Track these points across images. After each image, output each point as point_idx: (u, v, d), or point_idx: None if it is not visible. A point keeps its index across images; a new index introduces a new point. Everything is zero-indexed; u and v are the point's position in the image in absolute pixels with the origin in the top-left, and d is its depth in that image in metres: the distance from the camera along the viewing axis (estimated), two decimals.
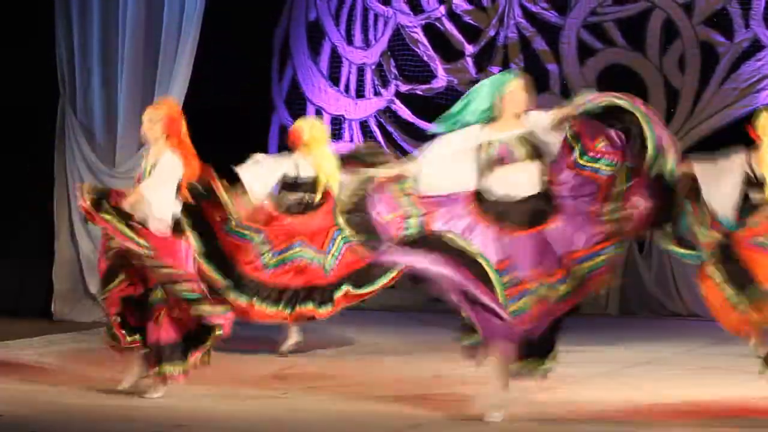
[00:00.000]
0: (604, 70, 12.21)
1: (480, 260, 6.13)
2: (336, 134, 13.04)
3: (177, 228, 7.03)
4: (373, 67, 12.96)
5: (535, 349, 6.27)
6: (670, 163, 6.03)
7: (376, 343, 9.77)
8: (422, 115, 12.73)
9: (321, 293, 8.69)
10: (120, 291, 7.03)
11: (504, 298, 6.09)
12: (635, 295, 11.91)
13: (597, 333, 9.92)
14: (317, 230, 8.83)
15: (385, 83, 12.91)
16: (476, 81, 12.43)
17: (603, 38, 12.24)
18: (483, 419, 6.27)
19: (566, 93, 11.98)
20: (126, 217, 6.89)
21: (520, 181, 6.26)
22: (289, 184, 8.98)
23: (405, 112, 12.81)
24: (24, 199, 11.15)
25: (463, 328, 6.35)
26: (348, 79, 13.07)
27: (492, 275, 6.10)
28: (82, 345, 9.22)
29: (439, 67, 12.69)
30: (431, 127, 6.52)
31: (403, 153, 12.75)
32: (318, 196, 8.92)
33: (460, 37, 12.67)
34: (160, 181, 6.99)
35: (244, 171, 8.72)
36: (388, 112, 12.91)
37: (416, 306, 11.49)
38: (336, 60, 13.11)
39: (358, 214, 6.27)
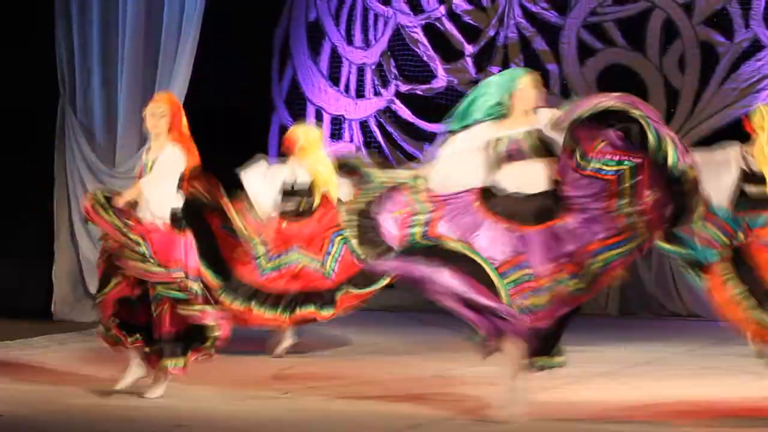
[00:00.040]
0: (604, 70, 12.21)
1: (480, 261, 6.12)
2: (336, 134, 13.05)
3: (178, 223, 7.02)
4: (373, 67, 12.96)
5: (544, 345, 6.26)
6: (672, 154, 6.00)
7: (376, 343, 9.78)
8: (422, 115, 12.75)
9: (322, 296, 8.69)
10: (117, 293, 7.02)
11: (508, 296, 6.07)
12: (635, 295, 11.92)
13: (597, 333, 9.91)
14: (313, 235, 8.83)
15: (385, 83, 12.92)
16: (476, 81, 12.53)
17: (603, 38, 12.25)
18: (495, 419, 6.24)
19: (566, 93, 12.00)
20: (123, 216, 6.89)
21: (530, 177, 6.25)
22: (285, 191, 8.98)
23: (405, 112, 12.82)
24: (24, 199, 11.15)
25: (472, 327, 6.35)
26: (348, 79, 13.08)
27: (493, 276, 6.09)
28: (82, 345, 9.22)
29: (439, 67, 12.69)
30: (436, 128, 6.50)
31: (403, 153, 12.78)
32: (317, 201, 8.91)
33: (460, 37, 12.67)
34: (161, 177, 6.97)
35: (248, 183, 8.71)
36: (388, 112, 12.92)
37: (416, 306, 11.47)
38: (336, 60, 13.12)
39: (365, 220, 6.26)
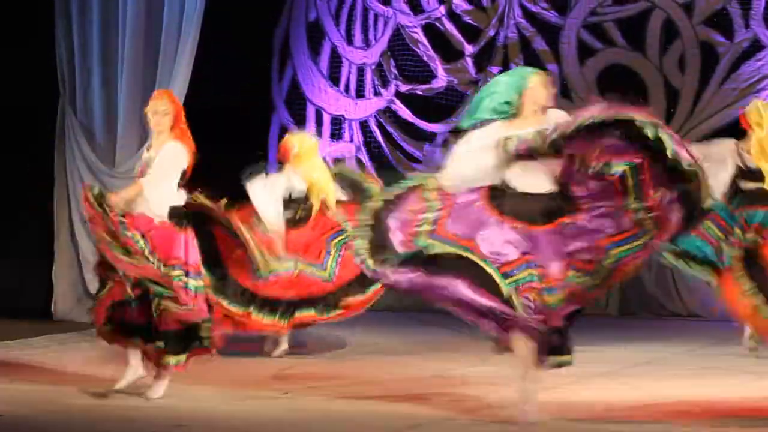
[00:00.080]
0: (604, 70, 12.22)
1: (481, 263, 6.10)
2: (336, 134, 13.06)
3: (179, 220, 7.00)
4: (373, 67, 12.96)
5: (558, 342, 6.24)
6: (671, 148, 5.99)
7: (376, 343, 9.78)
8: (422, 115, 12.75)
9: (324, 299, 8.69)
10: (110, 297, 6.99)
11: (514, 295, 6.05)
12: (635, 296, 11.92)
13: (597, 333, 9.91)
14: (309, 242, 8.83)
15: (385, 83, 12.92)
16: (476, 81, 12.57)
17: (603, 38, 12.25)
18: (518, 421, 6.24)
19: (566, 93, 12.00)
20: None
21: (540, 176, 6.24)
22: (283, 199, 8.98)
23: (405, 112, 12.82)
24: (24, 199, 11.16)
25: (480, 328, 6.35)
26: (348, 79, 13.08)
27: (496, 276, 6.07)
28: (82, 345, 9.22)
29: (439, 67, 12.69)
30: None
31: (403, 153, 12.78)
32: (315, 208, 8.92)
33: (460, 37, 12.67)
34: (163, 174, 6.95)
35: (255, 197, 8.71)
36: (388, 112, 12.92)
37: (416, 306, 11.46)
38: (336, 60, 13.12)
39: (378, 224, 6.25)
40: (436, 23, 12.76)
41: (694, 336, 10.04)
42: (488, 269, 6.09)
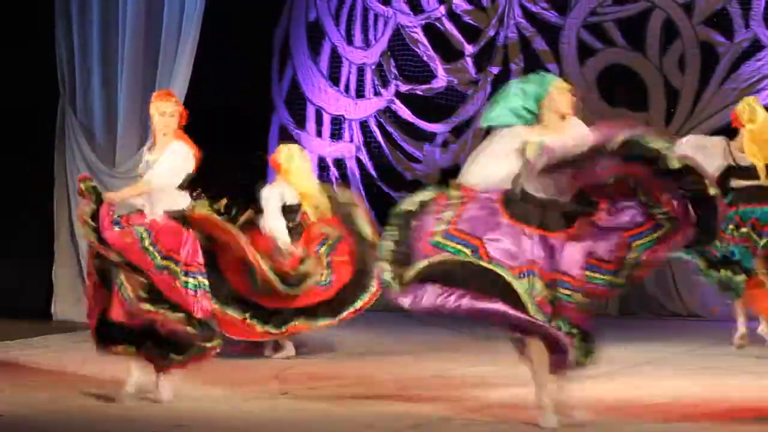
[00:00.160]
0: (604, 70, 12.21)
1: (498, 271, 6.08)
2: (336, 134, 13.06)
3: (184, 222, 6.98)
4: (373, 67, 12.96)
5: (584, 342, 6.22)
6: (662, 147, 5.98)
7: (375, 343, 9.78)
8: (422, 115, 12.75)
9: (321, 309, 8.72)
10: (101, 305, 6.94)
11: (533, 300, 6.04)
12: (635, 296, 11.91)
13: (597, 333, 9.89)
14: (308, 254, 8.87)
15: (385, 83, 12.92)
16: (476, 81, 12.57)
17: (603, 38, 12.24)
18: (539, 425, 6.23)
19: None
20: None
21: (556, 182, 6.21)
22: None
23: (405, 112, 12.82)
24: (24, 199, 11.16)
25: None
26: (348, 79, 13.08)
27: (514, 282, 6.05)
28: (82, 345, 9.21)
29: (439, 67, 12.69)
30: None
31: (403, 153, 12.79)
32: (311, 216, 8.95)
33: (460, 37, 12.67)
34: (171, 173, 6.91)
35: (272, 219, 8.77)
36: (388, 112, 12.92)
37: None
38: (336, 60, 13.12)
39: (404, 231, 6.23)
40: (436, 23, 12.76)
41: (694, 336, 10.04)
42: (506, 275, 6.06)
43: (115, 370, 7.26)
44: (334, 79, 13.10)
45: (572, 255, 6.08)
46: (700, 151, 8.40)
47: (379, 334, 10.15)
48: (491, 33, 12.54)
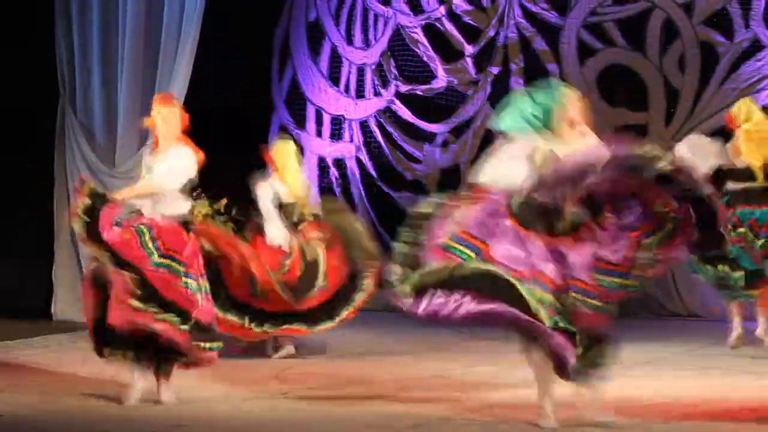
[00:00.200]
0: (604, 70, 12.21)
1: (503, 274, 6.07)
2: (336, 134, 13.05)
3: (185, 225, 6.97)
4: (373, 67, 12.96)
5: (594, 346, 6.23)
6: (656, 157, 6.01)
7: (376, 343, 9.78)
8: (422, 116, 12.74)
9: (317, 313, 8.73)
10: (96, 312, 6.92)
11: (544, 305, 6.04)
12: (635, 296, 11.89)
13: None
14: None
15: (385, 83, 12.92)
16: (476, 81, 12.57)
17: (603, 38, 12.24)
18: (539, 425, 6.23)
19: None
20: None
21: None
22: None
23: (405, 112, 12.81)
24: (24, 199, 11.16)
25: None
26: (348, 79, 13.08)
27: (519, 287, 6.05)
28: (82, 345, 9.20)
29: (439, 68, 12.69)
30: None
31: (403, 153, 12.78)
32: (308, 217, 8.97)
33: (460, 37, 12.67)
34: (175, 175, 6.89)
35: (271, 228, 8.78)
36: (388, 112, 12.92)
37: None
38: (336, 60, 13.12)
39: (415, 237, 6.24)
40: (436, 23, 12.76)
41: (694, 336, 10.04)
42: (514, 281, 6.06)
43: (115, 371, 7.26)
44: (334, 79, 13.10)
45: (580, 259, 6.08)
46: (697, 151, 8.42)
47: (379, 334, 10.15)
48: (491, 33, 12.54)
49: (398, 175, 12.76)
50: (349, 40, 13.05)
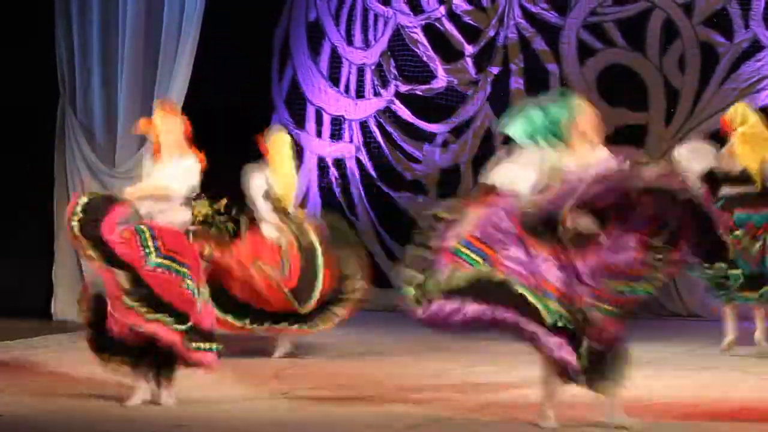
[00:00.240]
0: (604, 70, 12.21)
1: (511, 281, 6.07)
2: (336, 134, 13.05)
3: (186, 234, 6.96)
4: (373, 67, 12.96)
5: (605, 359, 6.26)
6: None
7: (375, 343, 9.78)
8: (422, 116, 12.74)
9: (317, 313, 8.74)
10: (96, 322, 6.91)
11: (550, 314, 6.05)
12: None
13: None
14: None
15: (384, 83, 12.91)
16: (476, 81, 12.57)
17: (603, 38, 12.24)
18: (539, 425, 6.22)
19: None
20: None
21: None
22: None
23: (405, 113, 12.81)
24: (24, 199, 11.16)
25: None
26: (348, 80, 13.08)
27: (531, 297, 6.05)
28: (82, 345, 9.19)
29: (439, 68, 12.69)
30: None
31: (403, 153, 12.78)
32: (300, 211, 9.01)
33: (460, 37, 12.67)
34: (184, 184, 6.90)
35: (264, 224, 8.79)
36: (388, 112, 12.91)
37: None
38: (336, 60, 13.12)
39: (428, 240, 6.24)
40: (436, 23, 12.76)
41: (694, 336, 10.04)
42: (525, 292, 6.06)
43: (117, 374, 7.25)
44: (334, 79, 13.10)
45: (591, 267, 6.08)
46: (696, 154, 8.44)
47: (379, 334, 10.15)
48: (491, 33, 12.54)
49: (398, 176, 12.76)
50: (349, 41, 13.05)
